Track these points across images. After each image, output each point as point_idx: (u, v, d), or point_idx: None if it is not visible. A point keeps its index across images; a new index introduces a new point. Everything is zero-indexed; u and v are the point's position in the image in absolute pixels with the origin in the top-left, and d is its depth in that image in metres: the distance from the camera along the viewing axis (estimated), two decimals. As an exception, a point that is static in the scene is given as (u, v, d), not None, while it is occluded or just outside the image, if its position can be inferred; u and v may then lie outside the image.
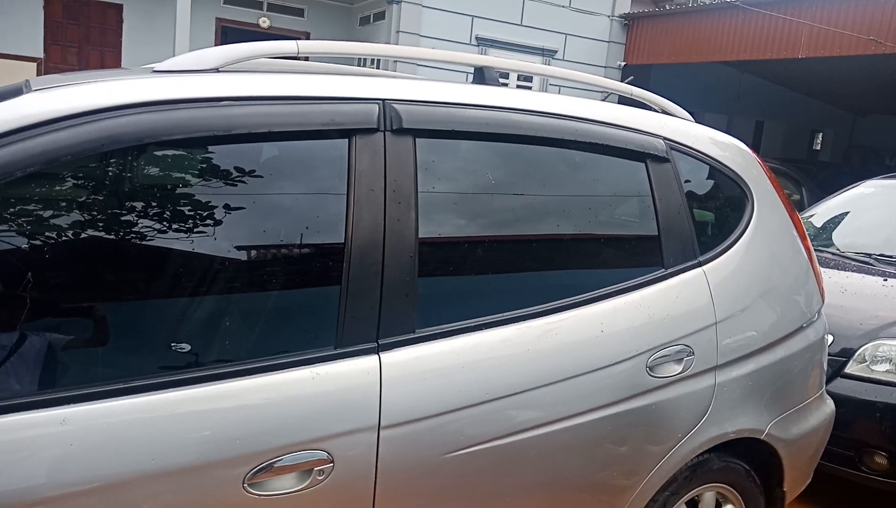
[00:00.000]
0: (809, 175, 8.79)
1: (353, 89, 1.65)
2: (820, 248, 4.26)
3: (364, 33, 11.76)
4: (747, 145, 2.40)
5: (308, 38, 11.79)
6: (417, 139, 1.68)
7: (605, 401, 1.85)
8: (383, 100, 1.67)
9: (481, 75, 2.00)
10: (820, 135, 18.67)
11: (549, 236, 1.95)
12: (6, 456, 1.25)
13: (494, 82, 2.00)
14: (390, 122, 1.65)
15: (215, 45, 10.01)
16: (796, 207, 6.89)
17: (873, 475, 3.13)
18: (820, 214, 4.75)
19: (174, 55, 1.68)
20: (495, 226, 1.87)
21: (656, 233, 2.03)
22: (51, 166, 1.35)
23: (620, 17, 12.03)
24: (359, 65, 10.27)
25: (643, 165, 2.04)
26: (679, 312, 1.99)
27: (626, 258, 2.07)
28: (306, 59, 3.17)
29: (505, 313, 1.74)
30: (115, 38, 10.91)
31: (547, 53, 11.60)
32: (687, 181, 2.12)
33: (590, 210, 2.01)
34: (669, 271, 2.02)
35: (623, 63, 12.17)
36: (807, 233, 4.48)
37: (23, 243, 1.36)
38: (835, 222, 4.62)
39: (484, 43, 11.06)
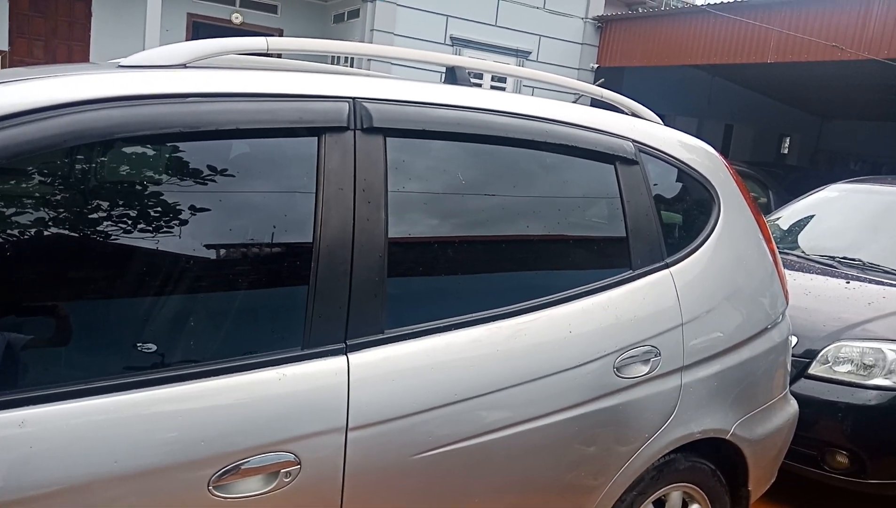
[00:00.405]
0: (777, 179, 8.94)
1: (322, 87, 1.64)
2: (785, 250, 4.33)
3: (338, 31, 11.69)
4: (716, 148, 2.43)
5: (281, 35, 11.70)
6: (388, 138, 1.68)
7: (574, 402, 1.86)
8: (353, 98, 1.66)
9: (453, 75, 2.00)
10: (788, 139, 19.01)
11: (519, 236, 1.96)
12: None
13: (466, 82, 2.00)
14: (360, 120, 1.64)
15: (186, 40, 9.89)
16: (763, 210, 7.00)
17: (835, 473, 3.20)
18: (786, 217, 4.84)
19: (144, 51, 1.65)
20: (465, 227, 1.87)
21: (624, 235, 2.05)
22: (13, 162, 1.32)
23: (594, 19, 12.12)
24: (333, 63, 10.22)
25: (612, 167, 2.06)
26: (646, 313, 2.01)
27: (595, 260, 2.08)
28: (279, 56, 3.14)
29: (475, 314, 1.75)
30: (83, 33, 10.71)
31: (521, 54, 11.64)
32: (655, 184, 2.14)
33: (559, 211, 2.02)
34: (637, 272, 2.03)
35: (596, 65, 12.26)
36: (772, 236, 4.56)
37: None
38: (800, 225, 4.71)
39: (458, 43, 11.07)
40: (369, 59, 9.49)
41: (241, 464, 1.42)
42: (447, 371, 1.67)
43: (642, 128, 2.19)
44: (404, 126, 1.71)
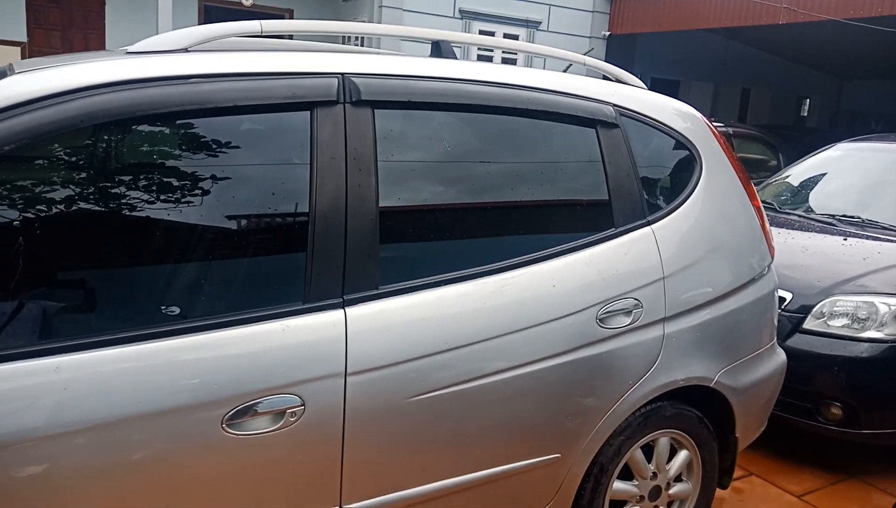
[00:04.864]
0: (792, 141, 8.93)
1: (313, 65, 1.78)
2: (787, 211, 4.40)
3: (347, 9, 11.76)
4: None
5: (291, 16, 11.79)
6: (376, 110, 1.81)
7: (558, 350, 2.00)
8: (343, 74, 1.80)
9: (438, 49, 2.13)
10: (807, 101, 18.75)
11: (503, 201, 2.09)
12: (8, 403, 1.40)
13: (451, 55, 2.12)
14: (349, 94, 1.78)
15: (199, 25, 10.00)
16: (773, 171, 7.01)
17: (829, 425, 3.29)
18: (790, 177, 4.89)
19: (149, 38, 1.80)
20: (453, 191, 2.01)
21: (607, 195, 2.16)
22: (35, 143, 1.48)
23: (604, -13, 12.05)
24: (344, 42, 10.30)
25: (594, 130, 2.17)
26: (628, 268, 2.14)
27: (578, 219, 2.20)
28: (290, 37, 3.26)
29: (463, 271, 1.89)
30: (98, 21, 10.90)
31: (531, 25, 11.62)
32: (637, 145, 2.25)
33: (542, 175, 2.14)
34: (619, 230, 2.15)
35: (607, 33, 12.20)
36: (777, 196, 4.60)
37: (15, 216, 1.50)
38: (803, 184, 4.76)
39: (467, 16, 11.08)
40: (379, 38, 9.56)
41: (251, 405, 1.59)
42: (437, 322, 1.82)
43: (623, 92, 2.30)
44: (391, 98, 1.85)
